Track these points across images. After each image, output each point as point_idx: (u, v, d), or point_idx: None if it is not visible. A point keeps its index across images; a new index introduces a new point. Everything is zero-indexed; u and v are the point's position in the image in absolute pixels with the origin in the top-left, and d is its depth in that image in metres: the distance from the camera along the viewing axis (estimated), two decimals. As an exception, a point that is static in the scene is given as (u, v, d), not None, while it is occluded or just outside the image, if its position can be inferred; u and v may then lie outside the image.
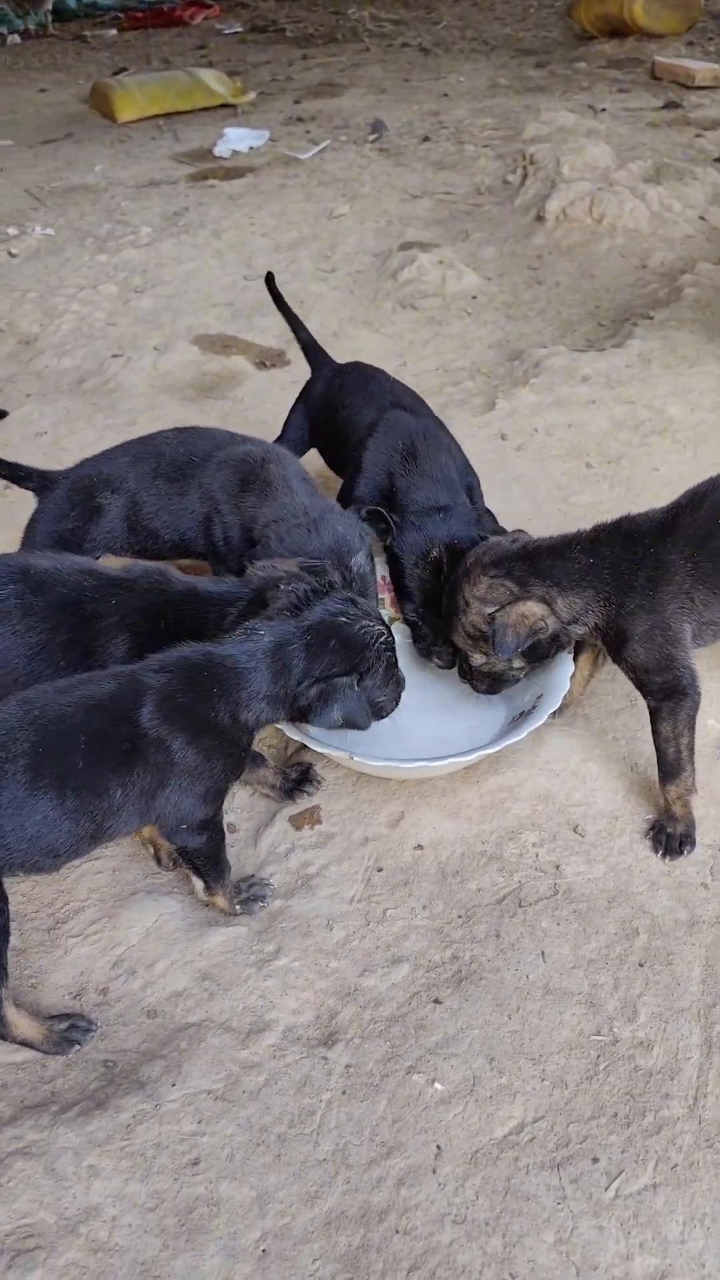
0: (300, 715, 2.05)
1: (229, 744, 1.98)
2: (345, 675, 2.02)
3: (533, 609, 2.17)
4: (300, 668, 1.99)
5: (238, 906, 2.12)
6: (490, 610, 2.20)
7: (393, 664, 2.11)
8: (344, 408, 2.94)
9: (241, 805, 2.40)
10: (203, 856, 2.05)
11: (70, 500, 2.52)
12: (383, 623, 2.09)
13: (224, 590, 2.18)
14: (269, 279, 3.37)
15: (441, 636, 2.48)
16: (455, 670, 2.46)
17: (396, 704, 2.16)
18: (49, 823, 1.81)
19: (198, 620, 2.11)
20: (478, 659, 2.32)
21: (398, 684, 2.15)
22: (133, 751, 1.88)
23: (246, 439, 2.60)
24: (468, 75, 8.48)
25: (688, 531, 2.13)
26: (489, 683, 2.36)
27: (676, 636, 2.10)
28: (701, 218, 5.21)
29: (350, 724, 2.04)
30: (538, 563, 2.19)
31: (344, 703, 2.01)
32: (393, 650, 2.11)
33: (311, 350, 3.26)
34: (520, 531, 2.40)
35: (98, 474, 2.53)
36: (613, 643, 2.17)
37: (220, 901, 2.11)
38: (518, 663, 2.27)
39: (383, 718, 2.15)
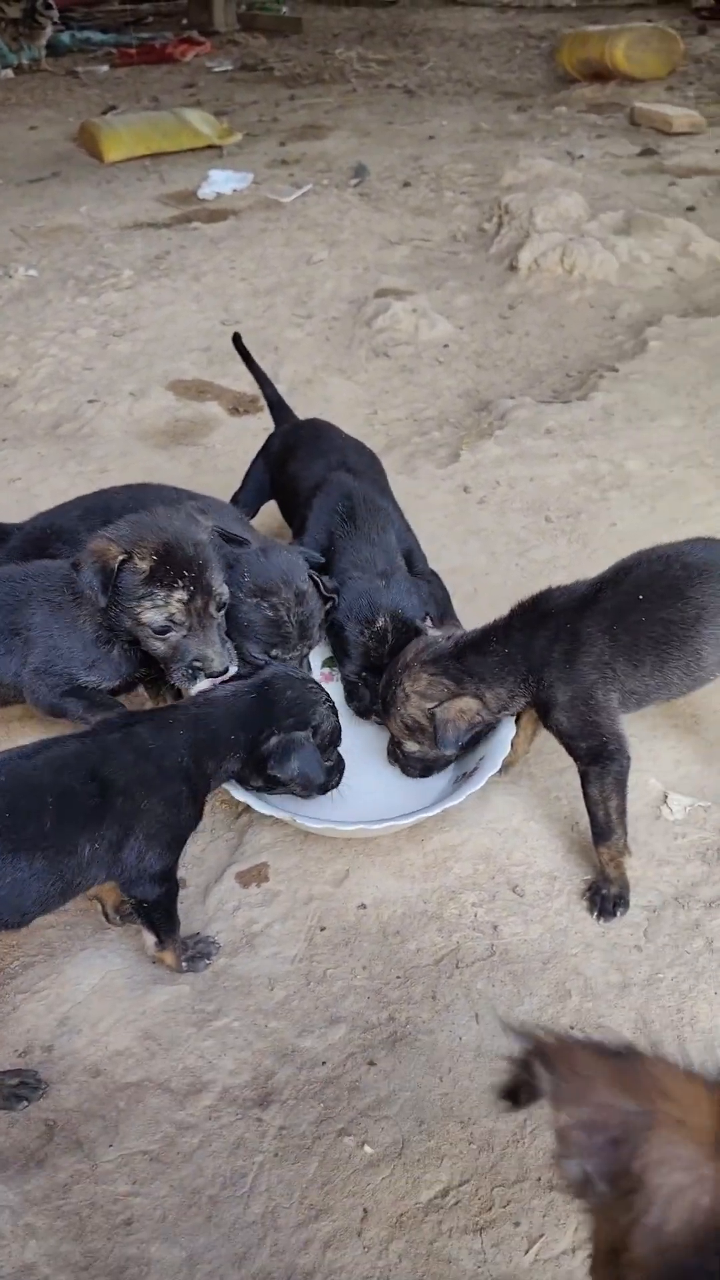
0: (258, 766, 2.14)
1: (194, 793, 2.07)
2: (301, 729, 2.13)
3: (469, 704, 2.28)
4: (259, 719, 2.12)
5: (184, 964, 2.17)
6: (429, 706, 2.30)
7: (337, 731, 2.23)
8: (295, 462, 3.03)
9: (191, 860, 2.45)
10: (160, 909, 2.11)
11: (23, 551, 2.61)
12: (324, 690, 2.22)
13: None
14: (236, 338, 3.45)
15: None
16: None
17: (337, 783, 2.30)
18: (19, 885, 1.87)
19: None
20: (411, 747, 2.41)
21: (340, 764, 2.30)
22: (101, 805, 1.95)
23: (194, 497, 2.68)
24: (450, 118, 8.63)
25: (607, 606, 2.21)
26: (422, 768, 2.45)
27: (600, 705, 2.18)
28: (670, 269, 5.32)
29: (304, 777, 2.14)
30: (466, 660, 2.29)
31: (301, 754, 2.12)
32: (336, 715, 2.23)
33: (276, 407, 3.34)
34: (454, 627, 2.49)
35: (50, 525, 2.63)
36: (541, 711, 2.26)
37: (169, 958, 2.16)
38: (450, 751, 2.35)
39: (325, 791, 2.25)
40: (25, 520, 2.74)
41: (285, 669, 2.24)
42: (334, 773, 2.30)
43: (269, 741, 2.12)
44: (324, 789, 2.27)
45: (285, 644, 2.42)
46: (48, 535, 2.63)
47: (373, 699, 2.57)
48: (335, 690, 2.61)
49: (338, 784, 2.32)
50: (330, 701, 2.23)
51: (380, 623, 2.52)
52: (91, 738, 2.02)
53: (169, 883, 2.08)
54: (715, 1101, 0.88)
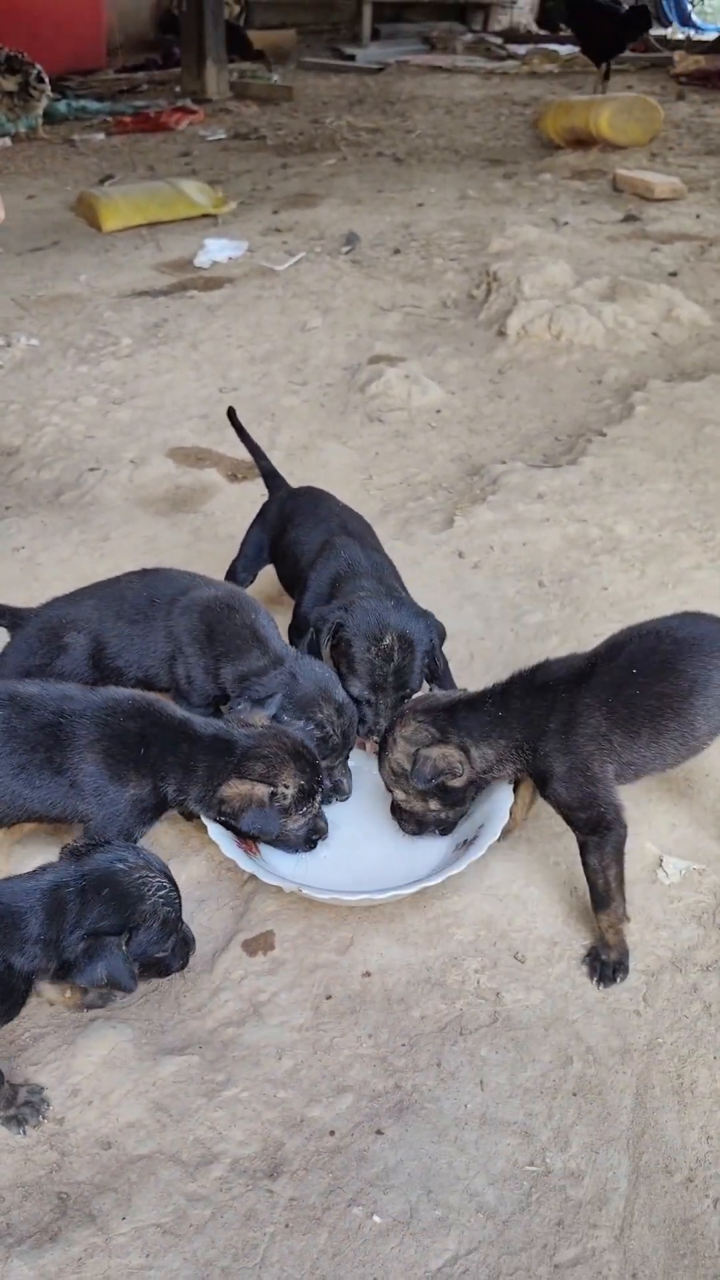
0: (64, 969, 2.00)
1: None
2: (115, 932, 1.98)
3: (450, 751, 2.35)
4: (72, 916, 1.98)
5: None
6: (413, 750, 2.37)
7: (172, 920, 2.08)
8: (295, 529, 3.13)
9: (200, 929, 2.49)
10: None
11: (40, 639, 2.68)
12: (166, 875, 2.09)
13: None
14: (231, 413, 3.57)
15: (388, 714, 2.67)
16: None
17: (184, 963, 2.17)
18: None
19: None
20: (399, 795, 2.47)
21: (185, 943, 2.15)
22: None
23: (209, 582, 2.76)
24: (439, 186, 8.88)
25: (603, 680, 2.29)
26: (413, 823, 2.51)
27: (597, 776, 2.25)
28: (654, 334, 5.47)
29: (114, 984, 1.99)
30: (456, 715, 2.37)
31: (109, 961, 1.96)
32: (172, 905, 2.07)
33: (270, 477, 3.46)
34: (463, 690, 2.57)
35: (65, 615, 2.70)
36: (539, 781, 2.33)
37: None
38: (434, 804, 2.43)
39: (167, 975, 2.17)
40: (39, 606, 2.81)
41: (115, 857, 2.04)
42: (178, 953, 2.14)
43: (77, 946, 1.97)
44: (169, 971, 2.16)
45: (334, 756, 2.57)
46: (63, 624, 2.70)
47: (375, 719, 2.65)
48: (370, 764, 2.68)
49: (180, 966, 2.16)
50: (165, 889, 2.05)
51: (387, 640, 2.62)
52: None
53: None
54: None
